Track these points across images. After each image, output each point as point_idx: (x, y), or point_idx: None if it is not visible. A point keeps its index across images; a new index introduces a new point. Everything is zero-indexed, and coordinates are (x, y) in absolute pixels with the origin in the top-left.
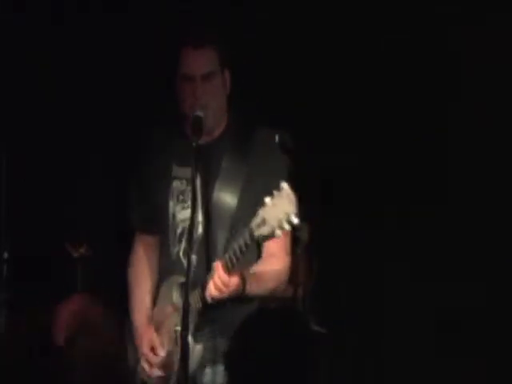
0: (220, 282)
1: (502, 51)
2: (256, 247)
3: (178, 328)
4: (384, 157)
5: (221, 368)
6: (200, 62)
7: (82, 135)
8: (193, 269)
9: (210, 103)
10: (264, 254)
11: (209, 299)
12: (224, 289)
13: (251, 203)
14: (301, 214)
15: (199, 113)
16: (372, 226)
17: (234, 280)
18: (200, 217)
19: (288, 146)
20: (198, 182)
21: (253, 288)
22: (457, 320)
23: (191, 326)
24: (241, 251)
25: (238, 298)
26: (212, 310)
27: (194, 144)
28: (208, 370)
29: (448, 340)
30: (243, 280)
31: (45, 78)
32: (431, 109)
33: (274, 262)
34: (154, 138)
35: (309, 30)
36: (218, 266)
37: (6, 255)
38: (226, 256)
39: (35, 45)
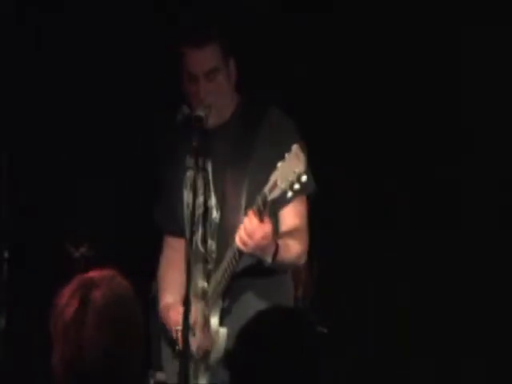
0: (251, 225)
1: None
2: (274, 220)
3: (179, 328)
4: (385, 157)
5: None
6: (202, 60)
7: (84, 135)
8: (212, 255)
9: (214, 101)
10: (281, 227)
11: (239, 245)
12: (256, 233)
13: (263, 183)
14: None
15: (200, 113)
16: (373, 225)
17: (267, 225)
18: (213, 201)
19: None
20: (210, 169)
21: (282, 253)
22: (457, 319)
23: (217, 309)
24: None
25: (268, 264)
26: (235, 293)
27: (193, 144)
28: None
29: (449, 339)
30: (276, 247)
31: (46, 78)
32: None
33: (294, 231)
34: (167, 133)
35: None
36: (250, 213)
37: (6, 254)
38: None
39: (35, 44)
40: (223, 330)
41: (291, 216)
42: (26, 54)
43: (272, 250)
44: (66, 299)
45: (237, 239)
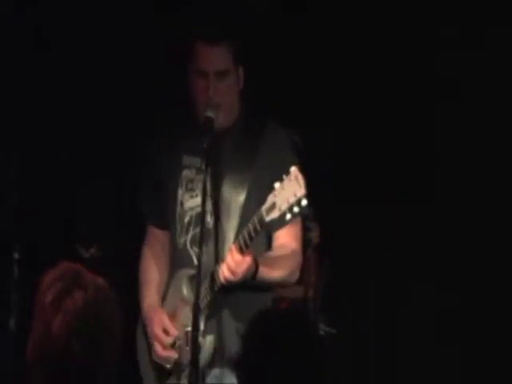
0: (233, 263)
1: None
2: (266, 240)
3: (189, 329)
4: (392, 158)
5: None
6: (214, 58)
7: (93, 135)
8: (203, 259)
9: (222, 102)
10: (274, 244)
11: (222, 281)
12: (238, 269)
13: (260, 195)
14: (311, 214)
15: (210, 114)
16: (383, 226)
17: (247, 259)
18: (209, 206)
19: (298, 146)
20: (208, 171)
21: (264, 272)
22: (461, 320)
23: (202, 318)
24: (250, 237)
25: (250, 283)
26: (222, 299)
27: (204, 145)
28: (217, 370)
29: (452, 342)
30: (255, 262)
31: (52, 79)
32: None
33: (285, 250)
34: (165, 128)
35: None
36: (232, 248)
37: (16, 256)
38: (239, 240)
39: (35, 45)
40: (210, 337)
41: (286, 237)
42: (26, 54)
43: (252, 272)
44: (51, 281)
45: (220, 275)
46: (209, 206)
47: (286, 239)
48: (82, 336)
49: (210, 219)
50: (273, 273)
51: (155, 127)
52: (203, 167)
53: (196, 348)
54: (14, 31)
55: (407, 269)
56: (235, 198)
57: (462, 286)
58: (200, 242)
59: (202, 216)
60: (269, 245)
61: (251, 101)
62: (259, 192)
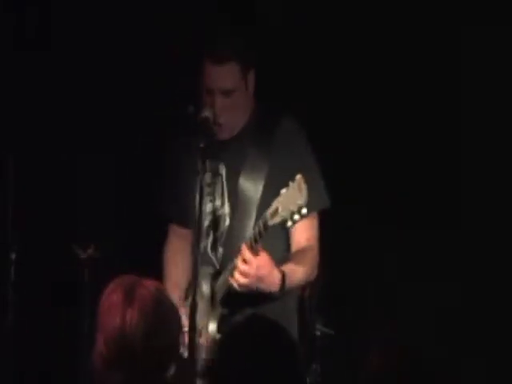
0: (244, 263)
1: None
2: (284, 241)
3: (186, 329)
4: (392, 158)
5: None
6: (220, 77)
7: (92, 135)
8: (220, 261)
9: (228, 118)
10: (293, 244)
11: (236, 287)
12: (250, 270)
13: (275, 194)
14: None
15: (206, 113)
16: (380, 226)
17: (260, 259)
18: (227, 209)
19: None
20: (224, 174)
21: (291, 279)
22: (459, 320)
23: (216, 316)
24: (255, 240)
25: (277, 295)
26: (236, 300)
27: (201, 145)
28: None
29: (450, 341)
30: (283, 275)
31: (50, 78)
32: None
33: (304, 249)
34: (184, 133)
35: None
36: (243, 248)
37: (13, 256)
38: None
39: (39, 45)
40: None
41: (302, 232)
42: (26, 54)
43: (276, 280)
44: (112, 288)
45: (232, 279)
46: (226, 209)
47: (303, 236)
48: (157, 323)
49: (228, 221)
50: (298, 278)
51: (176, 128)
52: (199, 167)
53: (193, 349)
54: (13, 31)
55: (407, 269)
56: (251, 199)
57: (461, 286)
58: (197, 243)
59: (198, 220)
60: (287, 245)
61: (264, 98)
62: (273, 192)
